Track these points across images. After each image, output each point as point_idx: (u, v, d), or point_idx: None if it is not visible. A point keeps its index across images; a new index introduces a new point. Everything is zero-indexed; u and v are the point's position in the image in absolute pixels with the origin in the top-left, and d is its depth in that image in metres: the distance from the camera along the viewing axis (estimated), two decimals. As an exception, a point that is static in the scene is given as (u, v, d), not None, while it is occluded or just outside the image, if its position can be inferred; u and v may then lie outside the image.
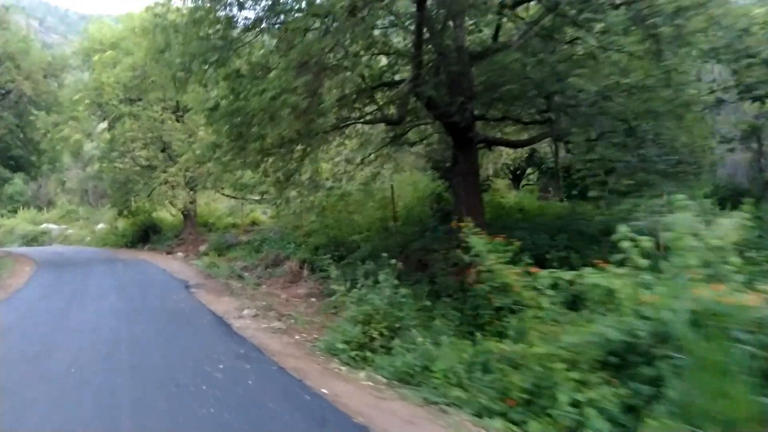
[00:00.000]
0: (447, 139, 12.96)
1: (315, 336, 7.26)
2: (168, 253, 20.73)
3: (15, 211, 38.82)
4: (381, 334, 6.35)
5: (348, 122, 11.31)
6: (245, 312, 8.61)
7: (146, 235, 24.61)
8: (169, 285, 11.97)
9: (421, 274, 10.16)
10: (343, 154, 15.27)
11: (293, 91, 7.88)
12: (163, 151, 19.37)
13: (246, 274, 14.59)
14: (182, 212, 21.49)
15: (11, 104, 21.92)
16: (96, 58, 18.10)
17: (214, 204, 25.03)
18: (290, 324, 8.03)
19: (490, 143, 12.94)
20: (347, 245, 14.23)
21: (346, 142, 14.40)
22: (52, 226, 33.37)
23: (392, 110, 11.65)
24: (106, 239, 27.38)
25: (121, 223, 26.54)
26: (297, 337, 7.25)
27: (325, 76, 8.62)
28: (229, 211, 25.39)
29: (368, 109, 11.78)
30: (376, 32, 10.12)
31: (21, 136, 23.04)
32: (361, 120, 11.87)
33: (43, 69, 19.77)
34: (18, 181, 44.45)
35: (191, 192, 18.59)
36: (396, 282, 7.04)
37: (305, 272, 13.59)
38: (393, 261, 7.23)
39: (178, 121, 19.05)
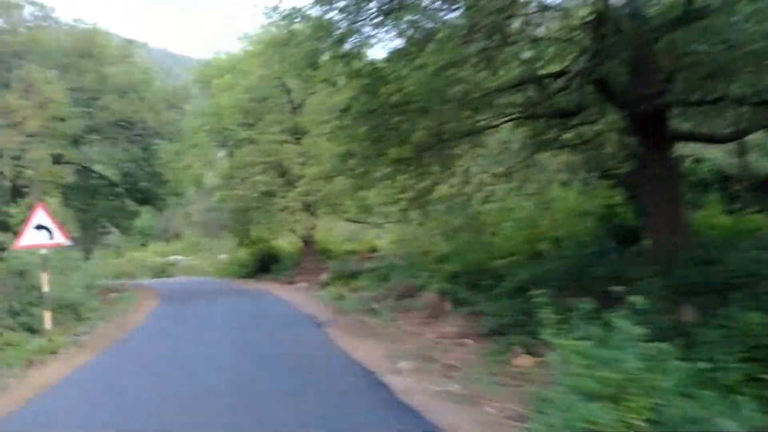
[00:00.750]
0: (622, 138, 10.28)
1: (514, 408, 4.97)
2: (289, 282, 19.56)
3: (145, 245, 40.84)
4: (648, 420, 3.88)
5: (509, 116, 8.96)
6: (402, 365, 6.50)
7: (266, 264, 23.87)
8: (298, 322, 10.28)
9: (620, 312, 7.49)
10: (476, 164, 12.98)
11: (462, 63, 5.78)
12: (281, 176, 18.32)
13: (375, 305, 12.72)
14: (302, 240, 20.31)
15: (137, 137, 22.35)
16: (214, 82, 17.57)
17: (333, 230, 23.75)
18: (467, 385, 5.77)
19: (689, 138, 9.94)
20: (489, 272, 11.87)
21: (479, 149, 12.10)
22: (178, 257, 34.36)
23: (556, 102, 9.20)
24: (228, 269, 27.20)
25: (242, 253, 26.20)
26: (489, 409, 4.97)
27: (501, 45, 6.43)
28: (348, 237, 24.02)
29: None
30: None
31: (147, 169, 23.49)
32: (519, 116, 9.51)
33: (165, 100, 19.76)
34: (147, 215, 47.36)
35: (311, 217, 17.24)
36: (641, 330, 4.54)
37: (447, 306, 11.36)
38: (630, 295, 4.75)
39: (296, 143, 17.95)
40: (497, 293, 10.59)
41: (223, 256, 30.48)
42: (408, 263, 14.99)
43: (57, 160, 21.44)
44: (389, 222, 16.93)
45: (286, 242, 25.74)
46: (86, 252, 30.97)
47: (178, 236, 44.02)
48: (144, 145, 22.51)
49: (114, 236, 46.65)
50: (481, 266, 12.23)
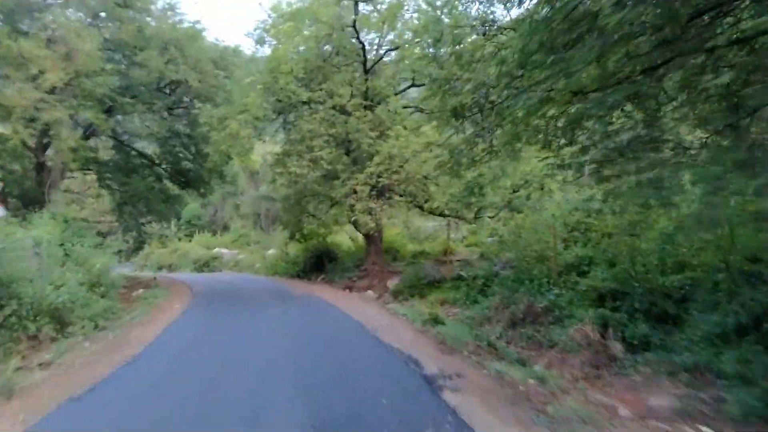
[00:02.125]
0: None
1: None
2: (348, 288, 15.79)
3: (191, 235, 38.20)
4: None
5: None
6: None
7: (320, 263, 20.21)
8: (388, 368, 6.21)
9: None
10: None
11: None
12: (347, 153, 14.54)
13: (491, 334, 8.73)
14: (365, 235, 16.49)
15: (178, 107, 19.17)
16: (272, 31, 13.99)
17: (404, 225, 19.81)
18: None
19: None
20: (662, 292, 7.76)
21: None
22: (223, 251, 31.34)
23: None
24: (276, 266, 23.74)
25: (293, 249, 22.70)
26: None
27: None
28: (427, 235, 20.08)
29: None
30: None
31: (191, 146, 20.31)
32: None
33: (212, 61, 16.41)
34: (194, 205, 44.89)
35: (381, 206, 13.34)
36: None
37: (614, 347, 7.19)
38: None
39: (367, 109, 14.12)
40: (709, 332, 6.51)
41: (271, 252, 27.16)
42: (520, 271, 10.88)
43: (87, 132, 18.61)
44: (482, 216, 12.82)
45: (345, 238, 22.05)
46: (123, 239, 28.44)
47: (226, 228, 41.27)
48: (187, 118, 19.32)
49: (159, 224, 44.58)
50: (647, 282, 8.10)
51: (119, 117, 18.12)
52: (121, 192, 19.55)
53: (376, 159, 13.09)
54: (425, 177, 13.27)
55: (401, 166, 13.12)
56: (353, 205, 13.27)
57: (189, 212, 43.72)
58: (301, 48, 13.76)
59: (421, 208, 13.59)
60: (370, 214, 13.34)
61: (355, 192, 13.42)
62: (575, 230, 11.86)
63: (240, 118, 13.59)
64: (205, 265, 29.72)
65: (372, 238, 16.63)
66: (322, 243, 20.51)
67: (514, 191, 12.47)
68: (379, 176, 13.21)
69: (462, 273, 12.17)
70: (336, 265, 19.34)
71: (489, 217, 12.50)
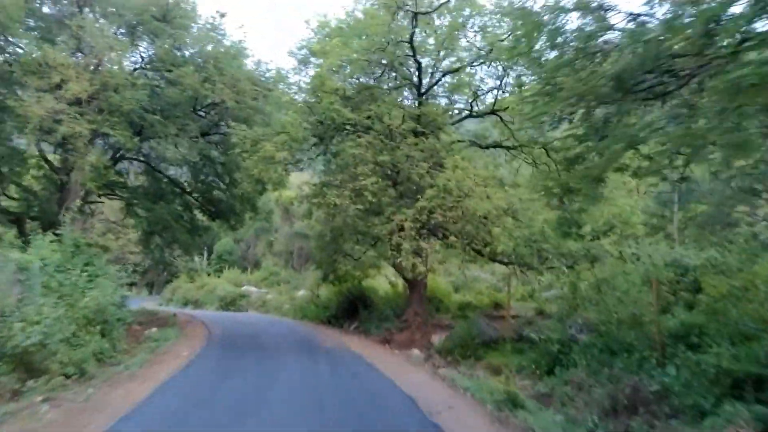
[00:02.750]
0: None
1: None
2: (386, 341, 13.62)
3: (221, 271, 36.76)
4: None
5: None
6: None
7: (353, 309, 18.13)
8: None
9: None
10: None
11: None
12: (394, 185, 12.70)
13: (571, 417, 6.48)
14: (408, 281, 14.42)
15: (212, 131, 17.85)
16: (315, 47, 12.49)
17: (447, 271, 17.75)
18: None
19: None
20: None
21: None
22: (252, 289, 29.60)
23: None
24: (306, 310, 21.71)
25: (325, 291, 20.73)
26: None
27: None
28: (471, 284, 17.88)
29: None
30: None
31: (222, 174, 18.90)
32: None
33: (251, 80, 15.03)
34: (227, 240, 43.72)
35: (435, 248, 11.31)
36: None
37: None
38: None
39: (419, 136, 12.33)
40: None
41: (302, 293, 25.25)
42: (608, 338, 8.57)
43: (117, 155, 17.44)
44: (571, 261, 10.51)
45: (380, 282, 20.02)
46: (146, 270, 27.11)
47: (257, 265, 39.71)
48: (223, 147, 17.93)
49: (187, 257, 43.47)
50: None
51: (152, 142, 16.88)
52: (146, 220, 18.12)
53: (430, 192, 11.16)
54: (484, 217, 11.21)
55: (458, 202, 11.14)
56: (399, 245, 11.28)
57: (221, 247, 42.57)
58: (349, 66, 12.18)
59: (479, 252, 11.45)
60: (419, 255, 11.32)
61: (402, 229, 11.46)
62: (676, 290, 9.56)
63: (276, 140, 11.97)
64: (231, 304, 27.96)
65: (415, 285, 14.54)
66: (357, 287, 18.48)
67: (594, 238, 10.28)
68: (431, 212, 11.24)
69: (532, 335, 9.88)
70: (372, 312, 17.21)
71: (568, 267, 10.23)
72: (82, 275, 9.92)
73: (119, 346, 10.89)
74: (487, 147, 14.70)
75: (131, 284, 49.86)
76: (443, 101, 14.92)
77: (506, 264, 11.36)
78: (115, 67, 13.56)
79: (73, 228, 13.73)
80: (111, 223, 40.78)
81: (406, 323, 14.38)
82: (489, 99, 13.81)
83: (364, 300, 18.25)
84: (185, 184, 19.70)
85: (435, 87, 13.62)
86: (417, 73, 12.63)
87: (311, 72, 13.60)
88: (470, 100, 13.59)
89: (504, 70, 12.98)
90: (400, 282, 17.72)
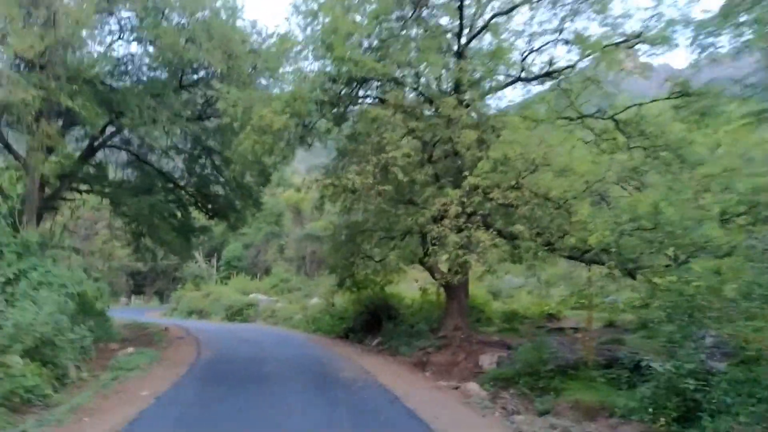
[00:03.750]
0: None
1: None
2: (421, 365, 10.59)
3: (229, 278, 33.98)
4: None
5: None
6: None
7: (375, 321, 15.16)
8: None
9: None
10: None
11: None
12: (430, 160, 9.69)
13: None
14: (446, 286, 11.40)
15: (213, 124, 15.07)
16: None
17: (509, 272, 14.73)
18: None
19: None
20: None
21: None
22: (260, 297, 26.68)
23: None
24: (319, 321, 18.75)
25: (340, 299, 17.77)
26: None
27: None
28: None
29: None
30: None
31: (224, 171, 15.98)
32: None
33: (245, 41, 12.17)
34: (236, 245, 40.94)
35: (494, 240, 8.18)
36: None
37: None
38: None
39: (462, 104, 9.29)
40: None
41: (315, 301, 22.33)
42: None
43: (96, 143, 14.65)
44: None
45: (405, 289, 17.00)
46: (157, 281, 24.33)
47: (268, 272, 36.77)
48: (220, 135, 15.04)
49: (195, 265, 40.71)
50: None
51: (141, 131, 14.02)
52: (127, 216, 15.32)
53: (484, 165, 8.12)
54: (561, 200, 8.12)
55: (521, 178, 8.10)
56: (442, 237, 8.25)
57: (230, 253, 39.79)
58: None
59: (551, 246, 8.34)
60: (467, 250, 8.29)
61: (443, 218, 8.42)
62: None
63: (275, 105, 9.02)
64: (237, 314, 25.11)
65: (455, 291, 11.55)
66: (380, 294, 15.49)
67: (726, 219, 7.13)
68: (485, 193, 8.21)
69: (651, 362, 6.77)
70: (398, 325, 14.19)
71: (683, 262, 7.03)
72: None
73: (71, 376, 8.10)
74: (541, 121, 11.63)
75: (138, 293, 47.41)
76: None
77: (594, 262, 8.21)
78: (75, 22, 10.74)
79: (26, 225, 10.98)
80: (117, 229, 38.28)
81: (445, 339, 11.34)
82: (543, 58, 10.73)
83: (388, 310, 15.24)
84: (178, 178, 16.90)
85: (479, 36, 10.57)
86: (459, 13, 9.59)
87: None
88: (525, 55, 10.52)
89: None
90: (432, 288, 14.75)
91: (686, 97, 8.81)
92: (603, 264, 7.33)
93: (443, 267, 11.17)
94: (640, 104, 9.65)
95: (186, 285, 34.53)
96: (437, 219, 8.58)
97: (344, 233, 14.33)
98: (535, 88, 11.85)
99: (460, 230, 8.19)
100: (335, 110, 9.87)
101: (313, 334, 17.63)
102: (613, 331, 11.94)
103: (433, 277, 12.14)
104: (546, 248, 8.23)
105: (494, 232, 8.26)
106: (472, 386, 7.74)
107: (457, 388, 8.11)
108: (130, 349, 11.50)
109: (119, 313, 29.09)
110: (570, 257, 8.97)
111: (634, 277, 7.45)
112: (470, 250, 8.21)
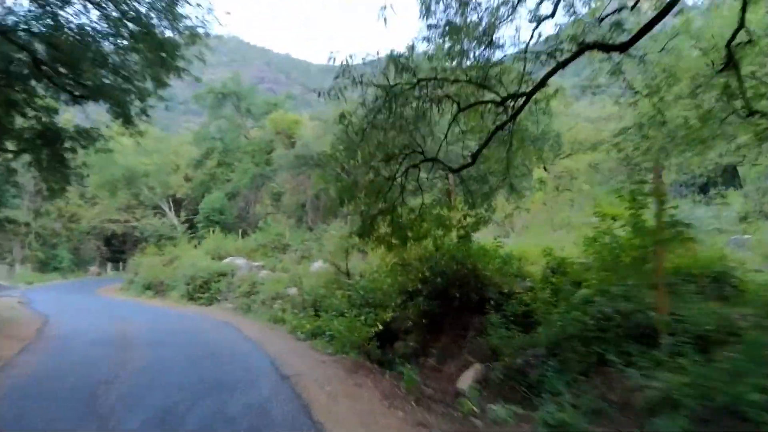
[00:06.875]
0: None
1: None
2: None
3: (204, 238, 25.37)
4: None
5: None
6: None
7: (456, 313, 6.51)
8: None
9: None
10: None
11: None
12: None
13: None
14: None
15: None
16: None
17: None
18: None
19: None
20: None
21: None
22: (240, 261, 17.99)
23: None
24: (327, 303, 9.96)
25: (358, 263, 9.03)
26: None
27: None
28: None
29: None
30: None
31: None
32: None
33: None
34: (218, 195, 31.85)
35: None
36: None
37: None
38: None
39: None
40: None
41: (318, 265, 13.76)
42: None
43: None
44: None
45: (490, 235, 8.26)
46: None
47: (259, 228, 27.51)
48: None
49: (157, 220, 32.11)
50: None
51: None
52: None
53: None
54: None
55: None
56: None
57: (208, 204, 30.89)
58: None
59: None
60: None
61: None
62: None
63: None
64: (202, 288, 16.56)
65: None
66: (461, 253, 6.79)
67: None
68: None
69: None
70: (511, 318, 5.51)
71: None
72: None
73: None
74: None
75: (116, 260, 38.62)
76: None
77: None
78: None
79: None
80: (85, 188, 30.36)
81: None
82: None
83: (482, 288, 6.57)
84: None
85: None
86: None
87: None
88: None
89: None
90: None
91: None
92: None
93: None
94: None
95: (147, 248, 26.00)
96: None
97: (363, 131, 5.82)
98: None
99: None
100: None
101: (312, 341, 8.86)
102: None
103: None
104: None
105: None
106: None
107: None
108: None
109: (44, 291, 20.25)
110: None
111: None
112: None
